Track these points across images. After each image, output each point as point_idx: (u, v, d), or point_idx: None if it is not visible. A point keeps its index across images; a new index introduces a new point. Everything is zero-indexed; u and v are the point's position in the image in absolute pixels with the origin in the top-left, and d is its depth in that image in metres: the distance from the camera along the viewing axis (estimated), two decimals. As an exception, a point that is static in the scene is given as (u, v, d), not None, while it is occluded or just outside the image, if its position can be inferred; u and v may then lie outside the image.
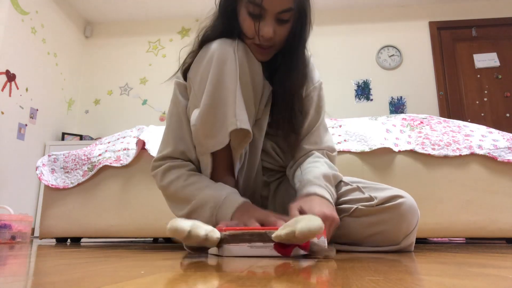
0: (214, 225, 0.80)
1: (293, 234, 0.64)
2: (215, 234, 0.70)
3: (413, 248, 0.97)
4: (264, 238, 0.69)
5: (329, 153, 1.05)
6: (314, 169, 0.96)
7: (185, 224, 0.68)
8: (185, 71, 0.98)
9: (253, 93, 0.90)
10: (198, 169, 0.97)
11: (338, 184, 1.02)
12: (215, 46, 0.88)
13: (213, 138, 0.85)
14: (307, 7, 0.93)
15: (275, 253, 0.69)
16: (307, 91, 1.04)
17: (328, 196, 0.88)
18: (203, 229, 0.69)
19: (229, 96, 0.83)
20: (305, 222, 0.64)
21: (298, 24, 0.93)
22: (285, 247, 0.68)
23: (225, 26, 0.94)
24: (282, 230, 0.65)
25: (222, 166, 0.92)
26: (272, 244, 0.69)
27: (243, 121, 0.83)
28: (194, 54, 0.96)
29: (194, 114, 0.88)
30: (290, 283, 0.38)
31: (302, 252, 0.70)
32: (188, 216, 0.90)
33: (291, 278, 0.42)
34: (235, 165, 0.92)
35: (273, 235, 0.67)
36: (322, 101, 1.08)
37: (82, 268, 0.53)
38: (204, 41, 0.96)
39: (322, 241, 0.72)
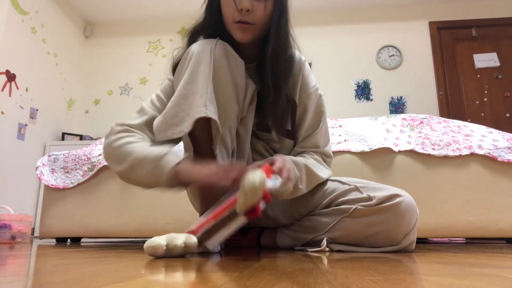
0: (154, 183, 0.83)
1: (247, 197, 0.66)
2: (192, 239, 0.73)
3: (414, 247, 0.97)
4: (233, 216, 0.73)
5: (324, 157, 1.05)
6: (292, 157, 0.97)
7: (161, 240, 0.70)
8: (174, 67, 0.99)
9: (234, 91, 0.91)
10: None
11: (325, 182, 1.02)
12: (194, 46, 0.90)
13: (173, 126, 0.84)
14: None
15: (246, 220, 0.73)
16: (305, 94, 1.03)
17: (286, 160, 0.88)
18: (179, 239, 0.71)
19: (200, 89, 0.84)
20: (246, 178, 0.67)
21: (277, 4, 0.94)
22: (252, 211, 0.70)
23: (208, 18, 0.98)
24: (239, 201, 0.69)
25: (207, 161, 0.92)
26: (242, 216, 0.72)
27: (212, 112, 0.83)
28: (183, 50, 0.98)
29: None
30: (290, 283, 0.38)
31: (263, 205, 0.73)
32: (128, 171, 0.88)
33: (291, 278, 0.42)
34: (218, 161, 0.91)
35: (237, 209, 0.70)
36: (321, 107, 1.06)
37: (82, 268, 0.53)
38: (191, 35, 0.99)
39: (274, 183, 0.76)
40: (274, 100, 0.96)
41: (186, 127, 0.82)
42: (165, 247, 0.69)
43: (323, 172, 1.01)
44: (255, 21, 0.92)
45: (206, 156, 0.90)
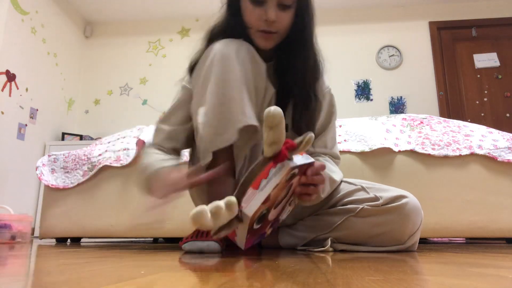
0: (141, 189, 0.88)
1: (267, 130, 0.66)
2: (232, 198, 0.67)
3: (416, 247, 0.97)
4: (261, 162, 0.71)
5: (332, 159, 1.05)
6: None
7: (204, 207, 0.65)
8: (192, 68, 0.98)
9: (254, 94, 0.91)
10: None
11: (336, 188, 1.02)
12: (218, 46, 0.89)
13: (220, 136, 0.85)
14: None
15: (283, 166, 0.70)
16: (320, 94, 1.04)
17: None
18: (220, 201, 0.67)
19: (235, 94, 0.84)
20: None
21: (300, 13, 0.95)
22: (279, 155, 0.70)
23: (230, 21, 0.96)
24: (264, 140, 0.69)
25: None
26: (271, 163, 0.70)
27: (251, 118, 0.83)
28: (201, 51, 0.97)
29: (200, 113, 0.88)
30: (290, 283, 0.38)
31: (296, 159, 0.72)
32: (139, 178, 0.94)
33: (291, 278, 0.42)
34: (236, 164, 0.91)
35: (264, 152, 0.70)
36: (333, 108, 1.07)
37: (82, 268, 0.53)
38: (210, 37, 0.98)
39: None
40: (313, 104, 0.98)
41: (232, 134, 0.83)
42: (209, 214, 0.64)
43: (337, 175, 1.01)
44: (279, 29, 0.93)
45: (222, 160, 0.90)
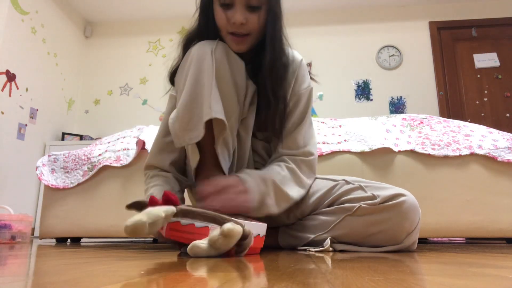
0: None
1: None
2: (171, 209, 0.71)
3: (416, 247, 0.97)
4: (216, 221, 0.71)
5: (303, 158, 1.02)
6: (262, 168, 0.99)
7: (141, 216, 0.66)
8: (171, 75, 1.01)
9: (235, 91, 0.91)
10: (174, 176, 1.05)
11: (329, 181, 1.03)
12: (195, 48, 0.91)
13: (190, 132, 0.87)
14: None
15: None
16: (297, 93, 1.03)
17: (247, 178, 0.89)
18: (160, 210, 0.69)
19: (205, 91, 0.86)
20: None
21: (271, 13, 0.94)
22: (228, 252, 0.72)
23: (202, 25, 0.98)
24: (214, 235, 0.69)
25: (210, 163, 0.93)
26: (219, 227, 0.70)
27: (218, 112, 0.85)
28: (179, 58, 0.99)
29: (173, 112, 0.90)
30: (290, 283, 0.38)
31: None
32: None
33: (291, 278, 0.42)
34: (220, 161, 0.92)
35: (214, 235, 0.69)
36: (307, 107, 1.06)
37: (82, 268, 0.53)
38: (186, 43, 1.00)
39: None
40: (273, 107, 0.96)
41: (201, 131, 0.85)
42: (147, 225, 0.66)
43: (292, 189, 0.97)
44: (250, 31, 0.93)
45: (208, 158, 0.91)
